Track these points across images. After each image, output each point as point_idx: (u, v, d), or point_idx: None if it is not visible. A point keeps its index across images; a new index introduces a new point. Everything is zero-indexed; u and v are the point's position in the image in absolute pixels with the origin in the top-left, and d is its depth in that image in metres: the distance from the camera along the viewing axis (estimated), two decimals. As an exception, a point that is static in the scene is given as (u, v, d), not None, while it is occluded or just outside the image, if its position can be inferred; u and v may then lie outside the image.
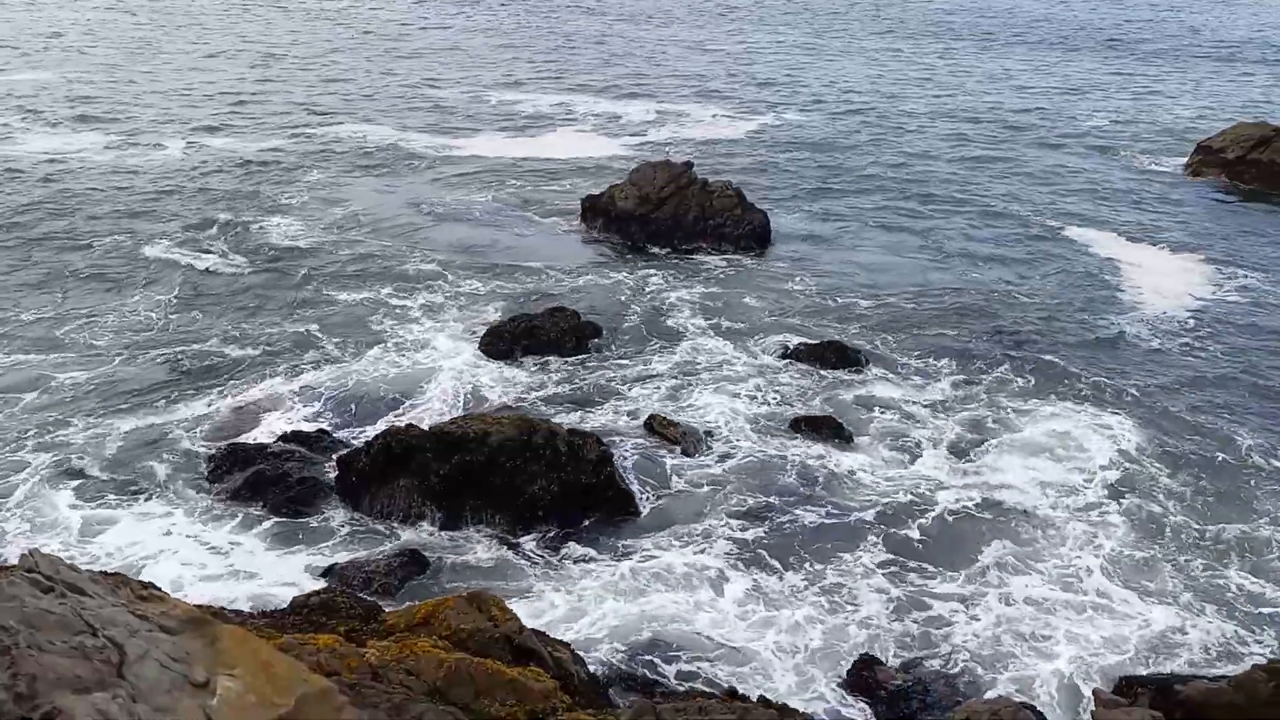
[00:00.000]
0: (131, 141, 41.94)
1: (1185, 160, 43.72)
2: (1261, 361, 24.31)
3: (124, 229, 31.03)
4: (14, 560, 5.70)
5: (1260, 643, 14.75)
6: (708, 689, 13.34)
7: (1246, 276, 30.25)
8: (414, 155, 41.70)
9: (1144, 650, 14.53)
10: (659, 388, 21.86)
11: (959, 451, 19.74)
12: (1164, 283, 29.51)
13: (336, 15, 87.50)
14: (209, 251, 29.28)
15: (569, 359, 22.58)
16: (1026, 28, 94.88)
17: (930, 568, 16.25)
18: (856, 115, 52.42)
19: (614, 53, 71.66)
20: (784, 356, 23.12)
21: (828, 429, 19.90)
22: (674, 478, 18.41)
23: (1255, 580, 16.12)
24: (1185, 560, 16.58)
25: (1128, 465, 19.33)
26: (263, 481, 17.28)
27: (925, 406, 21.35)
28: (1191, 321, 26.72)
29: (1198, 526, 17.49)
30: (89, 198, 34.04)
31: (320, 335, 23.87)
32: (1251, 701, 11.01)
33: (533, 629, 12.12)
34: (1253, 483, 18.90)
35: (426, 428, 17.59)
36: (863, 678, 13.23)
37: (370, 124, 46.87)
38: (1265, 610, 15.44)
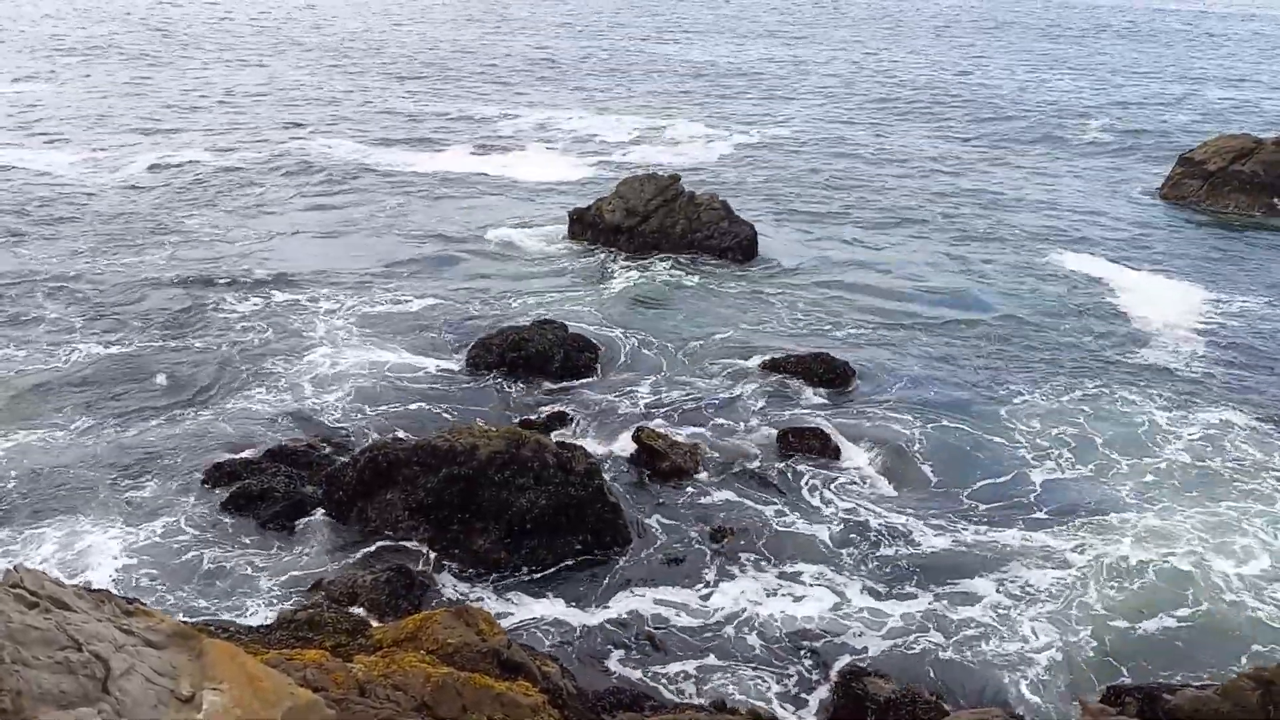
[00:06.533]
0: (95, 157, 41.72)
1: (1167, 173, 43.95)
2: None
3: (87, 246, 30.89)
4: (-2, 576, 5.64)
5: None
6: (697, 702, 13.32)
7: (1243, 299, 30.10)
8: (392, 171, 41.73)
9: (1123, 659, 14.61)
10: (647, 400, 21.86)
11: (951, 467, 19.75)
12: (1159, 302, 29.39)
13: (330, 33, 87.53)
14: (171, 265, 29.21)
15: (557, 371, 22.54)
16: (1019, 46, 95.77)
17: (921, 580, 16.27)
18: (845, 134, 52.68)
19: (595, 67, 71.86)
20: (772, 368, 23.13)
21: (816, 441, 19.92)
22: (663, 490, 18.41)
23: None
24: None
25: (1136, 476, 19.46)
26: (249, 497, 17.20)
27: (915, 421, 21.35)
28: (1200, 337, 26.66)
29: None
30: (31, 212, 33.89)
31: (304, 349, 23.78)
32: (1239, 709, 11.04)
33: (520, 643, 12.10)
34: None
35: (413, 442, 17.52)
36: (851, 689, 13.22)
37: (347, 140, 46.87)
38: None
